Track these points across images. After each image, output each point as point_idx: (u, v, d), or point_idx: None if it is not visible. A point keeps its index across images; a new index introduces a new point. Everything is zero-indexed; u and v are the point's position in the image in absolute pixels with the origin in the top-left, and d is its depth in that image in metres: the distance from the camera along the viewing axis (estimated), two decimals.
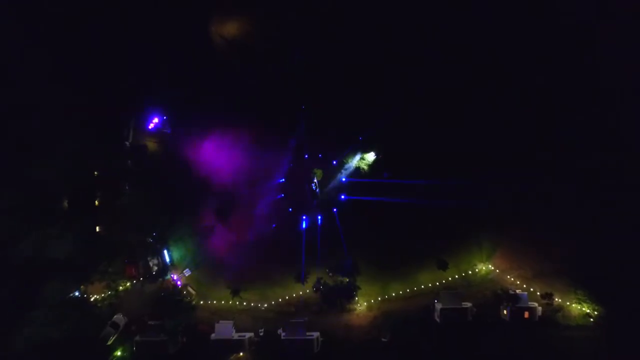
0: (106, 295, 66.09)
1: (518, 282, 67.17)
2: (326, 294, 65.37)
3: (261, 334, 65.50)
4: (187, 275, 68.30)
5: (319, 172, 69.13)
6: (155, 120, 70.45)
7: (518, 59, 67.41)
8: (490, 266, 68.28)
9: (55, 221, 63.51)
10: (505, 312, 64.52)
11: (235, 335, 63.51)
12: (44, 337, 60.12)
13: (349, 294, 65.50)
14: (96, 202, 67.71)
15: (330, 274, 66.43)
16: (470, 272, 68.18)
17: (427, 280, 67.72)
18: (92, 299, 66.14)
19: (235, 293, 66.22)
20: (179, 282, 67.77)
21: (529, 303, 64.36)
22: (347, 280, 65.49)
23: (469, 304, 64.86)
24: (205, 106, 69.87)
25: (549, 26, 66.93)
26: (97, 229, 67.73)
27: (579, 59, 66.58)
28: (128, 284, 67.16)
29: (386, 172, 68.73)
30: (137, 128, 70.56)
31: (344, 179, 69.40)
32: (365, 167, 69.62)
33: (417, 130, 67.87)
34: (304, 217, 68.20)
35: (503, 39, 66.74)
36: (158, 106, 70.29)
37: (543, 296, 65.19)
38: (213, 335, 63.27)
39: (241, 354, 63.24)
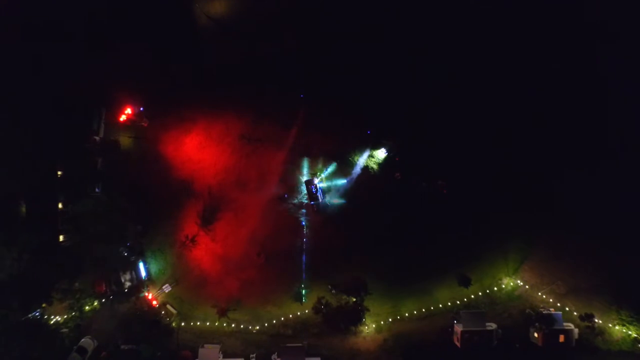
0: (69, 316, 59.39)
1: (550, 300, 61.63)
2: (328, 316, 59.55)
3: None
4: (166, 291, 62.90)
5: (321, 171, 63.49)
6: (129, 111, 64.08)
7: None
8: (518, 281, 62.73)
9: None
10: (536, 335, 59.05)
11: None
12: None
13: (355, 317, 59.24)
14: (59, 207, 60.98)
15: (333, 292, 60.45)
16: (495, 288, 62.52)
17: (445, 298, 62.29)
18: (52, 322, 59.17)
19: (222, 313, 60.66)
20: (156, 300, 61.97)
21: (564, 324, 58.67)
22: (354, 300, 59.34)
23: (493, 326, 59.85)
24: (188, 95, 64.37)
25: None
26: (61, 238, 60.82)
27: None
28: (95, 303, 60.59)
29: (398, 172, 63.02)
30: (108, 120, 64.35)
31: (349, 180, 63.76)
32: (375, 167, 63.79)
33: (430, 127, 62.84)
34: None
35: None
36: (133, 95, 63.92)
37: (582, 317, 59.19)
38: None
39: None
